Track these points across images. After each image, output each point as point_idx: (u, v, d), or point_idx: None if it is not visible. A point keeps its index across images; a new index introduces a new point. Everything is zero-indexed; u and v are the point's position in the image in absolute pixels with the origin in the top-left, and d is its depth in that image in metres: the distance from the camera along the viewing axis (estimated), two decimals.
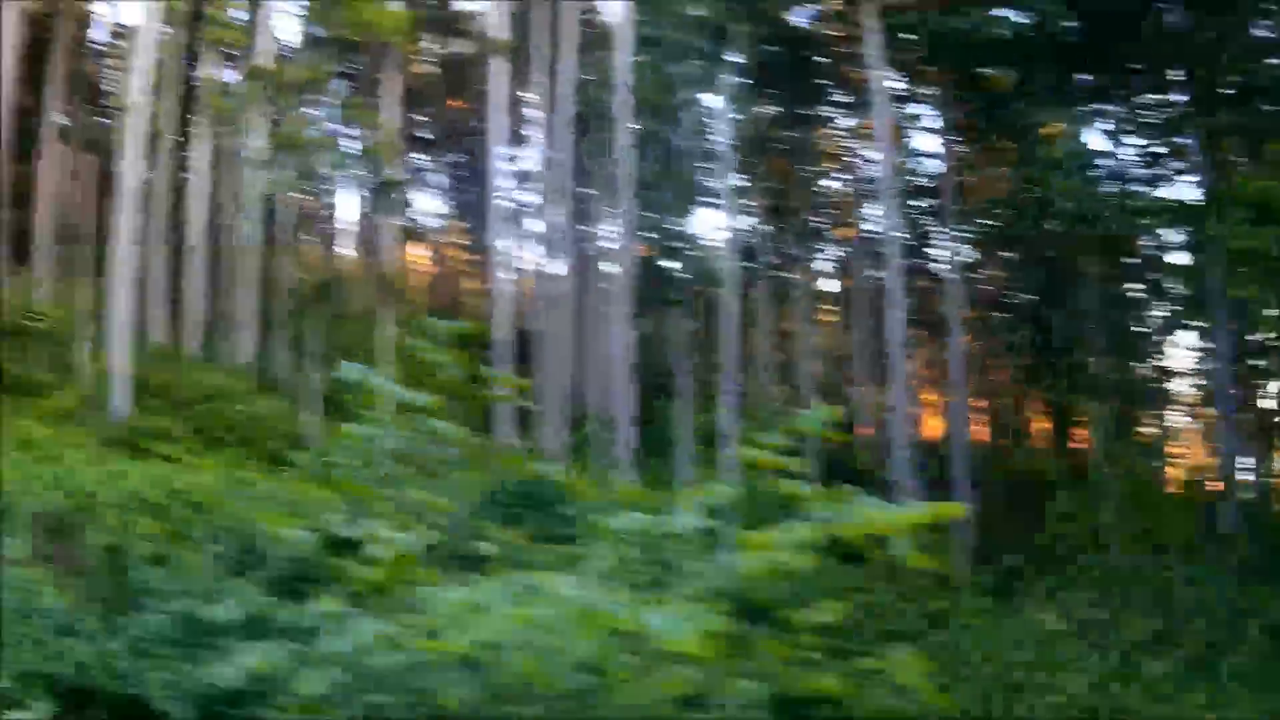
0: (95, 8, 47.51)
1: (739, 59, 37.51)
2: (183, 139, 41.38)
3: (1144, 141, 37.82)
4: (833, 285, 56.20)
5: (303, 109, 40.07)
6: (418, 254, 58.15)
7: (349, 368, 7.58)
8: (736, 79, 37.83)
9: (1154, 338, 45.47)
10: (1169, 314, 43.68)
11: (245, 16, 39.70)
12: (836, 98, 44.67)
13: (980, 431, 49.77)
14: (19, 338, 33.65)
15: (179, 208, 40.00)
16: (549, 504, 16.02)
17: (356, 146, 40.92)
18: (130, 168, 33.65)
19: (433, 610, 5.58)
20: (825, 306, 55.12)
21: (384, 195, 42.20)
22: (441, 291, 56.44)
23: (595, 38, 40.12)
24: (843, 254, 52.94)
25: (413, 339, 8.43)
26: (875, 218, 43.63)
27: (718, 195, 40.23)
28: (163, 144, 38.51)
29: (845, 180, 50.76)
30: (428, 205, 59.35)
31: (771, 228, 46.09)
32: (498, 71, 39.27)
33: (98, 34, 47.99)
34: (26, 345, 33.53)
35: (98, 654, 14.14)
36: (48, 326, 35.01)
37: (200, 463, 26.56)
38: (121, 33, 48.10)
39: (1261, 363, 41.34)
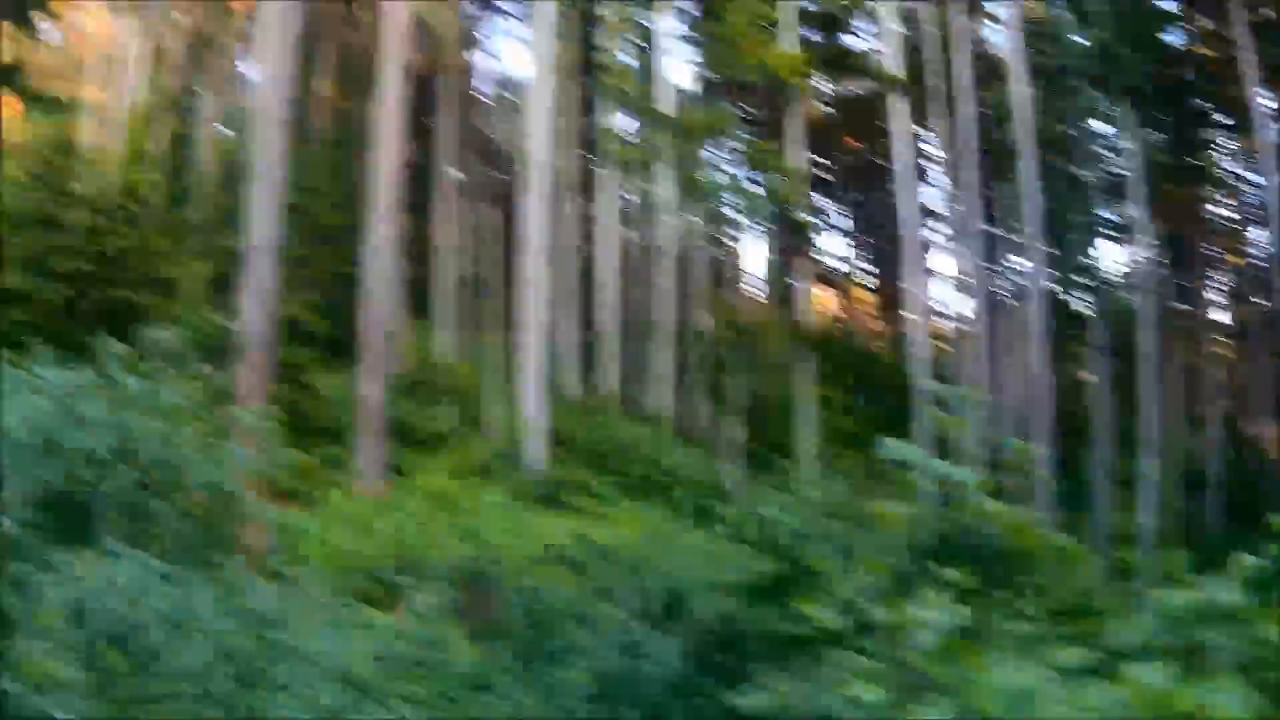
0: (479, 61, 49.76)
1: (1127, 85, 36.72)
2: (585, 189, 42.18)
3: None
4: (1224, 315, 54.61)
5: (706, 154, 40.54)
6: (824, 296, 58.18)
7: (890, 445, 8.63)
8: (1125, 106, 37.13)
9: None
10: None
11: (635, 64, 40.41)
12: (1219, 120, 43.32)
13: None
14: (424, 391, 34.86)
15: (586, 257, 40.78)
16: (1056, 573, 14.88)
17: (761, 190, 41.07)
18: (533, 219, 34.28)
19: (982, 695, 5.58)
20: (1218, 337, 53.10)
21: (793, 238, 42.08)
22: (850, 334, 56.23)
23: (988, 69, 39.52)
24: (1233, 282, 51.91)
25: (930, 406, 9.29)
26: (1263, 243, 43.18)
27: (1117, 227, 40.10)
28: (564, 194, 39.14)
29: (1230, 205, 49.39)
30: (831, 246, 59.43)
31: (1165, 258, 44.65)
32: (897, 108, 38.82)
33: (483, 86, 50.25)
34: (432, 398, 34.70)
35: (511, 709, 13.87)
36: (453, 379, 36.13)
37: (618, 515, 26.43)
38: (508, 85, 50.35)
39: None
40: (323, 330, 35.50)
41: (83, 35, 46.80)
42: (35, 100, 40.02)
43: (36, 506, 12.51)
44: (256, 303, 29.65)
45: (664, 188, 38.84)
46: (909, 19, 39.94)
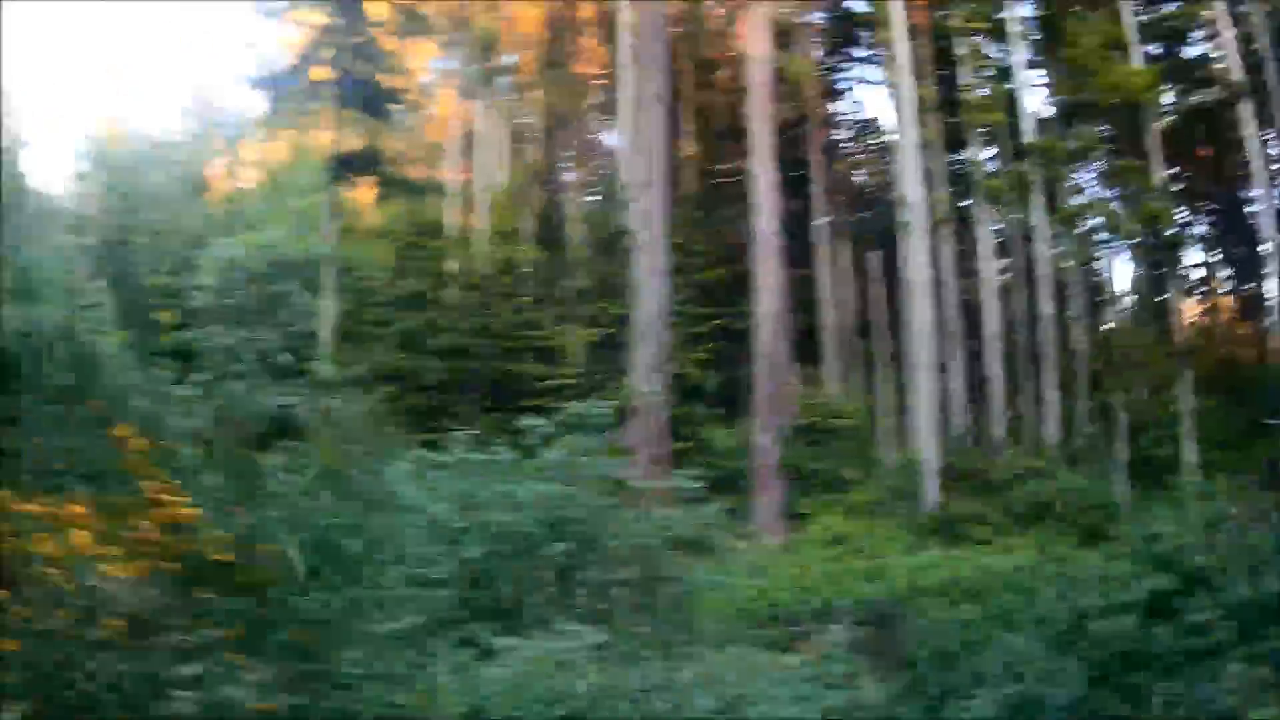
0: (838, 107, 51.14)
1: None
2: (960, 224, 42.80)
3: None
4: None
5: (1072, 179, 40.86)
6: (1191, 306, 57.14)
7: None
8: None
9: None
10: None
11: (991, 95, 40.96)
12: None
13: None
14: (818, 435, 36.26)
15: (967, 292, 41.54)
16: None
17: (1127, 209, 41.07)
18: (914, 259, 35.79)
19: None
20: None
21: (1160, 254, 41.87)
22: (1218, 342, 54.97)
23: None
24: None
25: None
26: None
27: None
28: (941, 231, 40.00)
29: None
30: (1191, 256, 58.33)
31: None
32: (1244, 113, 38.17)
33: (845, 132, 51.64)
34: (826, 442, 36.07)
35: None
36: (845, 422, 37.41)
37: (1012, 543, 27.16)
38: (869, 129, 51.62)
39: None
40: (711, 384, 37.32)
41: (436, 120, 50.63)
42: (393, 185, 43.51)
43: (463, 585, 13.86)
44: (648, 364, 31.90)
45: (1035, 216, 39.36)
46: (1239, 19, 39.27)
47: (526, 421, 16.33)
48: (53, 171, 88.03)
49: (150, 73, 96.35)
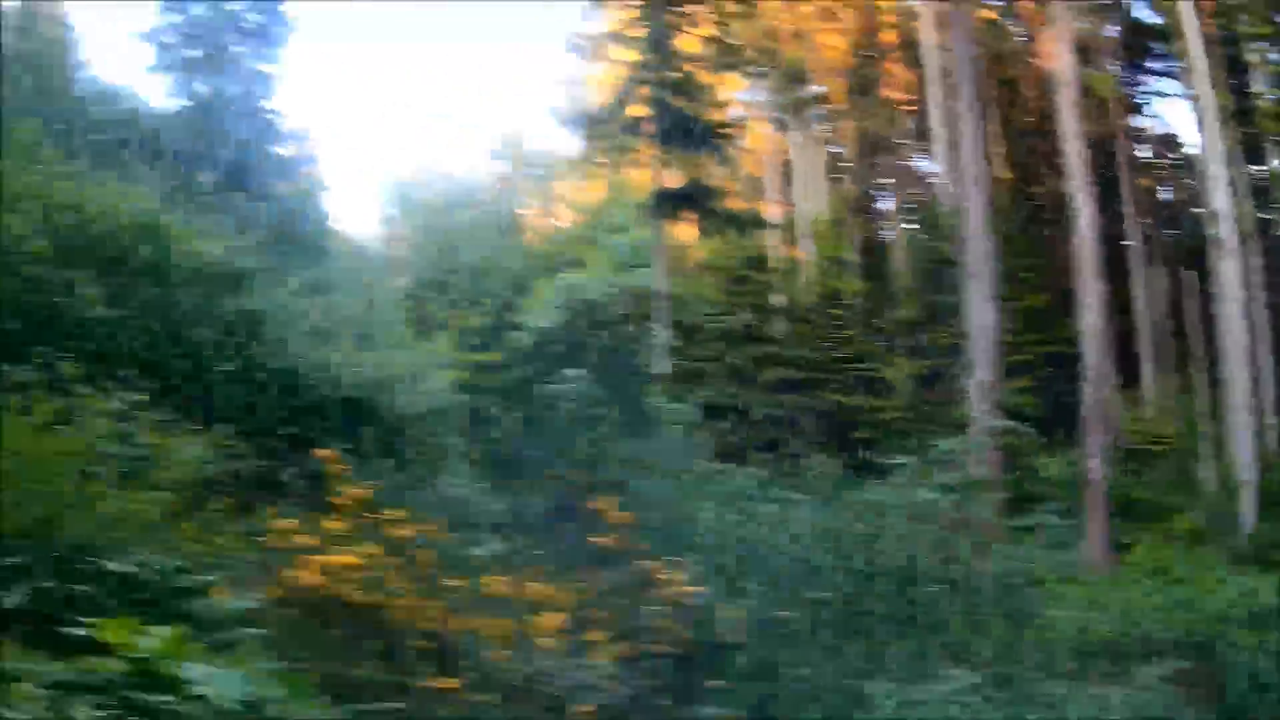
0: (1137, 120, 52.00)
1: None
2: (1262, 235, 42.62)
3: None
4: None
5: None
6: None
7: None
8: None
9: None
10: None
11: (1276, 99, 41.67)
12: None
13: None
14: (1138, 459, 37.60)
15: (1271, 305, 42.27)
16: None
17: None
18: (1226, 275, 36.56)
19: None
20: None
21: None
22: None
23: None
24: None
25: None
26: None
27: None
28: (1249, 245, 40.21)
29: None
30: None
31: None
32: None
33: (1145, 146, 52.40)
34: (1149, 466, 37.43)
35: None
36: (1166, 445, 38.67)
37: None
38: (1167, 142, 52.41)
39: None
40: (1035, 410, 38.43)
41: (749, 152, 53.24)
42: (716, 219, 45.71)
43: (832, 630, 14.49)
44: (981, 394, 33.78)
45: None
46: None
47: (897, 460, 17.30)
48: (359, 215, 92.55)
49: (458, 115, 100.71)
